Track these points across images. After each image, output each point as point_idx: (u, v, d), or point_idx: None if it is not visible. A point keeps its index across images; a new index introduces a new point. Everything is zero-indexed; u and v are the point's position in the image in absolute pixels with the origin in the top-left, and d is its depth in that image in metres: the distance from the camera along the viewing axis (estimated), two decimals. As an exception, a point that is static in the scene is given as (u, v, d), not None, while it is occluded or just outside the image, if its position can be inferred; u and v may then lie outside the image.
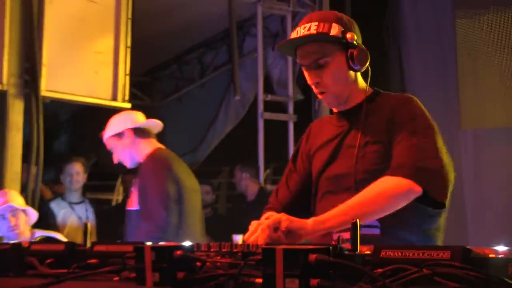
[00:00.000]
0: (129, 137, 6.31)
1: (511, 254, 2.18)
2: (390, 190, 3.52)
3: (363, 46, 3.73)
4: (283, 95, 10.77)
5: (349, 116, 3.84)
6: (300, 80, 10.85)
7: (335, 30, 3.63)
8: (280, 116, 10.71)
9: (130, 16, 8.55)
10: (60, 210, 8.25)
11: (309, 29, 3.65)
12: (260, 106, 10.46)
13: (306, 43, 3.70)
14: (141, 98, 12.63)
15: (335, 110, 3.92)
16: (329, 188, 3.87)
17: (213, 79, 12.16)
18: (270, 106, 10.60)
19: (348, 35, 3.64)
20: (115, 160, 6.39)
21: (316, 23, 3.65)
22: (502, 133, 9.37)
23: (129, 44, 8.56)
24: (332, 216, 3.48)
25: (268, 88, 10.69)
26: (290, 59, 10.76)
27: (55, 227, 7.91)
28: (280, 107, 10.75)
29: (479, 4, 9.80)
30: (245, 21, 10.68)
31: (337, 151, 3.85)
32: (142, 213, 6.18)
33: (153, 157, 6.44)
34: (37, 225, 7.23)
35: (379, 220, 3.62)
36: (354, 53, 3.67)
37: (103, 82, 8.27)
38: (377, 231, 3.67)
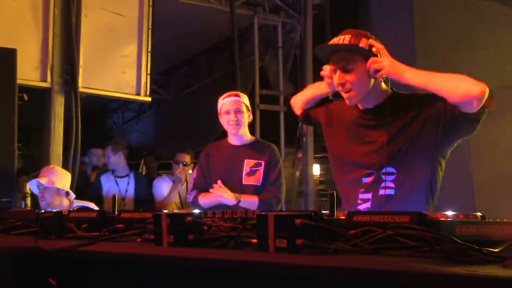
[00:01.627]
0: None
1: (457, 218, 2.18)
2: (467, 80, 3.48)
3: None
4: (275, 90, 10.74)
5: (374, 113, 3.83)
6: (292, 77, 10.84)
7: (363, 43, 3.64)
8: (273, 107, 10.69)
9: (150, 26, 8.53)
10: (106, 183, 8.24)
11: (343, 40, 3.67)
12: (257, 99, 10.44)
13: (339, 50, 3.71)
14: (159, 93, 12.63)
15: (360, 106, 3.87)
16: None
17: (218, 77, 12.12)
18: (263, 99, 10.57)
19: (374, 49, 3.63)
20: None
21: (350, 36, 3.68)
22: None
23: (149, 49, 8.54)
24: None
25: (264, 84, 10.67)
26: (281, 61, 10.74)
27: (101, 197, 7.92)
28: (271, 99, 10.72)
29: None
30: (243, 30, 10.62)
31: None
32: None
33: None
34: (86, 195, 7.27)
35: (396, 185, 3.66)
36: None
37: (128, 80, 8.27)
38: (392, 192, 3.67)
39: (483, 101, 3.40)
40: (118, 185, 8.20)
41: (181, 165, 7.92)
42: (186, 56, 12.42)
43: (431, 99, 3.64)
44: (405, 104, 3.76)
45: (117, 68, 8.32)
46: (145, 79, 8.57)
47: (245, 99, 5.39)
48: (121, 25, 8.41)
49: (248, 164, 5.29)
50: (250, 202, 5.22)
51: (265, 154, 5.35)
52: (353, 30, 3.84)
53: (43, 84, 7.80)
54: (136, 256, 2.49)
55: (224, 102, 5.37)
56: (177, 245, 2.45)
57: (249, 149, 5.38)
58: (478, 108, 3.43)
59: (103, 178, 8.34)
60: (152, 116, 13.55)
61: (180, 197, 8.06)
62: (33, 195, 6.29)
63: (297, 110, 4.24)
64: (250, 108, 5.42)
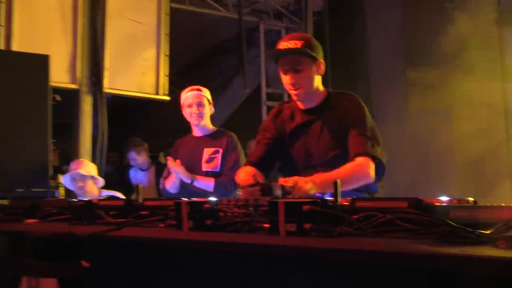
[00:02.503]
0: None
1: (451, 203, 2.16)
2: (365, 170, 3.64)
3: (323, 60, 3.86)
4: (279, 88, 10.74)
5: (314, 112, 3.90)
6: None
7: (308, 47, 3.73)
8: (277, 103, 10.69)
9: (167, 32, 8.54)
10: (135, 176, 8.36)
11: (295, 45, 3.74)
12: (263, 96, 10.45)
13: (288, 54, 3.76)
14: (175, 92, 12.59)
15: (302, 106, 3.92)
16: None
17: (228, 77, 12.13)
18: (269, 96, 10.58)
19: (317, 52, 3.78)
20: None
21: (296, 41, 3.75)
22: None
23: (167, 53, 8.55)
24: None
25: (267, 83, 10.69)
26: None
27: (131, 187, 7.84)
28: (276, 97, 10.73)
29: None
30: (250, 34, 10.60)
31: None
32: None
33: None
34: (118, 186, 7.32)
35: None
36: (320, 65, 3.82)
37: (148, 81, 8.28)
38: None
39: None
40: (145, 177, 8.28)
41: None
42: (199, 57, 12.42)
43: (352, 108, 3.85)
44: (338, 106, 3.87)
45: (138, 70, 8.34)
46: (163, 80, 8.58)
47: (206, 93, 5.37)
48: (141, 32, 8.42)
49: (207, 152, 5.23)
50: (206, 183, 5.15)
51: (223, 142, 5.28)
52: (297, 34, 4.03)
53: (73, 86, 7.82)
54: (159, 240, 2.50)
55: (187, 95, 5.34)
56: (196, 230, 2.43)
57: (209, 138, 5.32)
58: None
59: (131, 172, 8.48)
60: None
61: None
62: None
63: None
64: (211, 102, 5.40)
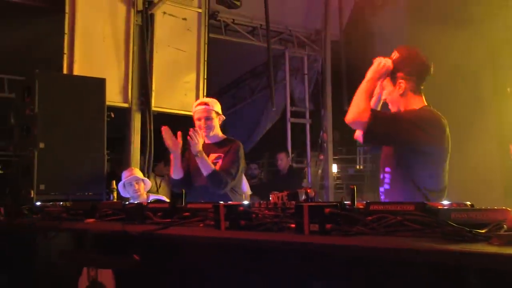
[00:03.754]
0: None
1: (452, 206, 2.16)
2: None
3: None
4: (302, 107, 10.75)
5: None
6: (313, 98, 10.84)
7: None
8: (301, 120, 10.68)
9: (206, 59, 8.56)
10: None
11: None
12: (288, 114, 10.45)
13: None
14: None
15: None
16: None
17: (257, 97, 12.15)
18: (293, 114, 10.58)
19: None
20: None
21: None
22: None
23: (205, 76, 8.57)
24: None
25: (291, 103, 10.69)
26: (307, 84, 10.75)
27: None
28: (300, 115, 10.73)
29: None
30: (277, 61, 10.63)
31: None
32: None
33: None
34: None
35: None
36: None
37: (189, 101, 8.26)
38: (388, 187, 3.58)
39: None
40: None
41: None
42: (233, 80, 12.47)
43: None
44: None
45: (180, 92, 8.37)
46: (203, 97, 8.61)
47: (215, 105, 5.16)
48: (183, 59, 8.47)
49: (211, 157, 5.01)
50: (206, 164, 4.91)
51: (226, 148, 5.08)
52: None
53: (125, 105, 7.87)
54: (200, 238, 2.51)
55: (196, 110, 5.14)
56: (232, 229, 2.45)
57: (216, 146, 5.11)
58: None
59: None
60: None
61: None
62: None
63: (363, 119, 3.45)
64: (220, 112, 5.17)
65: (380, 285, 1.81)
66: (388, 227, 2.06)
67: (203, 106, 5.13)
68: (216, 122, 5.13)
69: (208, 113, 5.09)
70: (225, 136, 5.26)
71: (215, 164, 4.98)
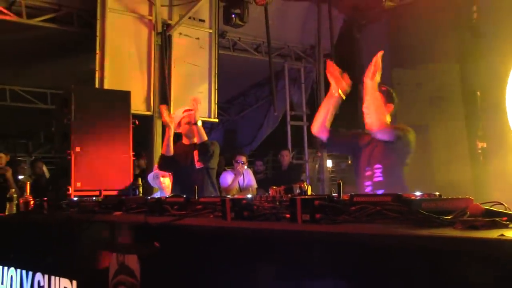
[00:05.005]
0: None
1: (423, 197, 2.16)
2: None
3: None
4: (300, 112, 10.73)
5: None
6: (309, 103, 10.82)
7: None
8: (299, 123, 10.68)
9: (216, 72, 8.60)
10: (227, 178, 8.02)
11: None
12: (288, 118, 10.45)
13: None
14: (223, 115, 12.67)
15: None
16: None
17: (261, 104, 12.16)
18: (293, 118, 10.57)
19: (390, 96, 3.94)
20: None
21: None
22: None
23: (216, 87, 8.62)
24: None
25: (291, 108, 10.68)
26: (304, 92, 10.74)
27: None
28: (298, 118, 10.71)
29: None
30: (278, 72, 10.63)
31: None
32: None
33: None
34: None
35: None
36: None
37: (203, 107, 8.30)
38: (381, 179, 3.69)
39: None
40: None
41: (240, 164, 7.90)
42: (240, 90, 12.48)
43: None
44: None
45: (195, 100, 8.40)
46: (214, 106, 8.63)
47: (197, 112, 5.16)
48: (197, 72, 8.50)
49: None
50: (202, 132, 5.03)
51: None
52: None
53: (148, 113, 7.91)
54: (209, 227, 2.52)
55: (185, 115, 5.19)
56: (237, 219, 2.46)
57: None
58: None
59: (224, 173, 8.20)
60: (219, 131, 13.60)
61: (239, 184, 8.05)
62: (143, 186, 6.36)
63: (321, 134, 3.93)
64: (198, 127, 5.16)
65: (362, 265, 1.81)
66: (368, 216, 2.07)
67: (189, 112, 5.15)
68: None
69: (193, 117, 5.12)
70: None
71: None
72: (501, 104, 7.68)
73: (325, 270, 1.92)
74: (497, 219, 1.83)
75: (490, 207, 2.00)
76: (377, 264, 1.76)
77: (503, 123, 7.61)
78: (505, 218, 1.85)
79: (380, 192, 3.41)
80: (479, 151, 7.90)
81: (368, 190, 3.72)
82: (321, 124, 3.87)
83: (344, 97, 3.76)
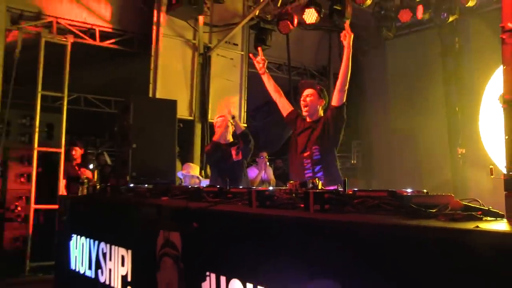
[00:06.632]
0: None
1: (413, 193, 2.13)
2: None
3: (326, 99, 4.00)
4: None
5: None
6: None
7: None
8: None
9: (246, 86, 8.58)
10: (252, 172, 8.02)
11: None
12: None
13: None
14: (251, 121, 12.60)
15: (309, 119, 3.97)
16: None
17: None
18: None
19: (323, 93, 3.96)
20: None
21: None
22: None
23: (245, 98, 8.60)
24: None
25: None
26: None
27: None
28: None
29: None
30: (295, 87, 10.53)
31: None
32: None
33: None
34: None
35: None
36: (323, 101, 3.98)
37: (235, 114, 8.31)
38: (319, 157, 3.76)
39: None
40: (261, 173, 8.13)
41: (262, 158, 7.88)
42: (265, 101, 12.42)
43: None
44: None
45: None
46: (244, 114, 8.61)
47: (229, 117, 5.23)
48: (230, 86, 8.48)
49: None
50: (240, 125, 5.17)
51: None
52: (311, 82, 4.05)
53: (190, 118, 7.92)
54: (238, 213, 2.51)
55: (217, 120, 5.27)
56: (260, 207, 2.45)
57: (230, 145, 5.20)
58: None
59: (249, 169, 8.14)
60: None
61: (262, 178, 8.04)
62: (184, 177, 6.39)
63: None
64: (233, 123, 5.24)
65: (363, 248, 1.79)
66: (368, 208, 2.04)
67: (223, 118, 5.22)
68: (230, 129, 5.23)
69: (226, 122, 5.19)
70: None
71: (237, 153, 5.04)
72: (476, 117, 7.61)
73: (331, 252, 1.90)
74: (473, 213, 1.79)
75: (468, 203, 1.96)
76: (373, 248, 1.74)
77: (478, 133, 7.52)
78: (480, 213, 1.82)
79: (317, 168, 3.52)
80: (459, 156, 7.80)
81: (308, 167, 3.75)
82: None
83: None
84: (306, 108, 3.85)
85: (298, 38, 9.27)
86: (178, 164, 6.43)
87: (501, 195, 1.76)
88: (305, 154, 3.77)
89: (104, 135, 12.11)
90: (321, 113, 3.95)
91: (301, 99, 3.92)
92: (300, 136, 3.90)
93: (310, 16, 6.99)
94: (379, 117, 9.45)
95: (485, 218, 1.76)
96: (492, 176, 1.92)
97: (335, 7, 6.77)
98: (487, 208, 1.85)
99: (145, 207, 3.50)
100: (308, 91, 3.92)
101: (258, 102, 12.12)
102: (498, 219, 1.76)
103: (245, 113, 8.61)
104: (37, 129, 6.74)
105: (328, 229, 1.93)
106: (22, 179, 6.79)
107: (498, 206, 1.85)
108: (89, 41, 7.48)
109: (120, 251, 3.68)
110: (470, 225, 1.56)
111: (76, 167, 7.12)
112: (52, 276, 5.43)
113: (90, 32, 7.51)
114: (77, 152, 7.21)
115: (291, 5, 7.47)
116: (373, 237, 1.74)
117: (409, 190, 2.20)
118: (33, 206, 6.65)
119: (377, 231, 1.74)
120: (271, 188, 2.60)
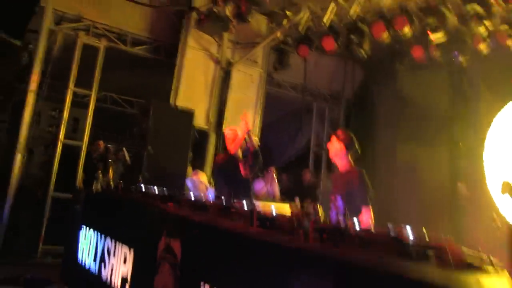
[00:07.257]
0: None
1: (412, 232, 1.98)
2: None
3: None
4: (322, 140, 10.47)
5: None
6: (330, 135, 10.53)
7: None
8: (320, 150, 10.45)
9: (262, 101, 8.49)
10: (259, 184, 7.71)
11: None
12: (311, 144, 10.23)
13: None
14: (264, 134, 12.51)
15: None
16: None
17: (293, 130, 11.94)
18: (315, 145, 10.33)
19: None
20: None
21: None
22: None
23: (260, 112, 8.49)
24: None
25: (315, 137, 10.43)
26: (326, 125, 10.45)
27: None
28: (319, 145, 10.46)
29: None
30: (308, 108, 10.44)
31: None
32: None
33: None
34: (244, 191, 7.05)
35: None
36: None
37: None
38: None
39: None
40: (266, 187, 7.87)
41: (270, 172, 7.71)
42: (278, 117, 12.32)
43: None
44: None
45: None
46: (257, 128, 8.49)
47: (238, 130, 4.90)
48: (247, 100, 8.37)
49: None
50: (254, 141, 4.72)
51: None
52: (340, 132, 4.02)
53: (206, 127, 7.80)
54: (236, 231, 2.38)
55: (228, 132, 4.94)
56: (260, 227, 2.33)
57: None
58: None
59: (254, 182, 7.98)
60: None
61: (267, 190, 7.87)
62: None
63: None
64: (247, 139, 4.84)
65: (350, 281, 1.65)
66: (364, 243, 1.90)
67: (233, 131, 4.93)
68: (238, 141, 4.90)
69: (235, 135, 4.89)
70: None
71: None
72: (480, 152, 7.39)
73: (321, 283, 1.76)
74: (473, 263, 1.64)
75: (467, 250, 1.80)
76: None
77: (480, 167, 7.31)
78: (480, 263, 1.66)
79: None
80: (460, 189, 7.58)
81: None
82: None
83: None
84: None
85: (315, 62, 9.16)
86: (189, 169, 6.33)
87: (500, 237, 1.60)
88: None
89: (126, 133, 12.10)
90: None
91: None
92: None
93: (329, 43, 6.90)
94: (386, 147, 9.24)
95: (486, 267, 1.61)
96: (493, 224, 1.75)
97: (352, 36, 6.65)
98: (487, 258, 1.69)
99: (151, 210, 3.40)
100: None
101: (270, 117, 12.02)
102: (499, 271, 1.60)
103: (258, 128, 8.48)
104: (64, 122, 6.72)
105: (322, 259, 1.79)
106: (45, 167, 6.78)
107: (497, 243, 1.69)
108: (121, 46, 7.48)
109: (123, 249, 3.57)
110: (471, 278, 1.40)
111: (95, 160, 7.07)
112: (60, 262, 5.34)
113: (122, 39, 7.51)
114: (102, 146, 7.20)
115: (312, 31, 7.39)
116: (360, 272, 1.59)
117: (408, 227, 2.05)
118: (51, 193, 6.60)
119: (362, 266, 1.60)
120: (274, 208, 2.44)
